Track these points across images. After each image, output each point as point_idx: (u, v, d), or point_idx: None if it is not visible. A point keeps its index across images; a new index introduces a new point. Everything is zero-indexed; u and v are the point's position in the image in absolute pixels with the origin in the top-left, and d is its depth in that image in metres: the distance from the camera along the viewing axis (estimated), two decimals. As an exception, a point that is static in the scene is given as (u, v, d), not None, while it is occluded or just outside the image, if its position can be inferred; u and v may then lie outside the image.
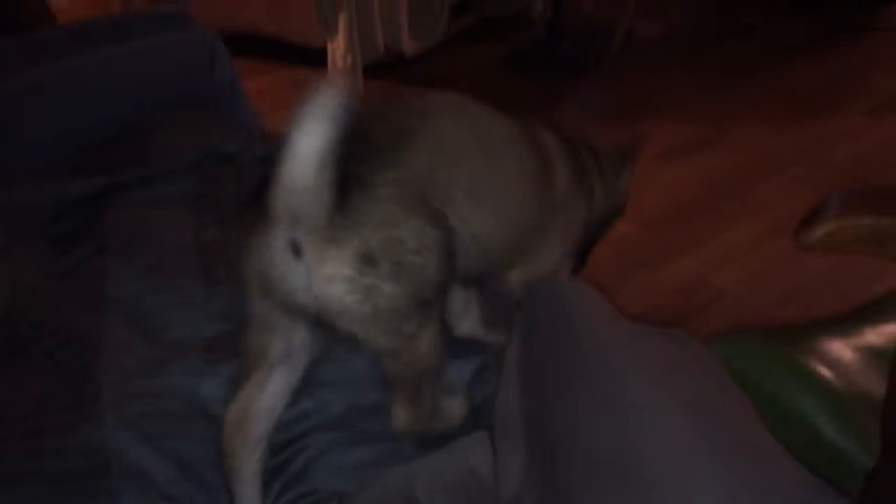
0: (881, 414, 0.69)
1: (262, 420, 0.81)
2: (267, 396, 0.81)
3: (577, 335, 0.75)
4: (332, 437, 0.85)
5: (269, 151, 1.32)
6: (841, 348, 0.86)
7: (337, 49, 2.27)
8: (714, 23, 3.15)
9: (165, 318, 0.99)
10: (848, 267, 1.61)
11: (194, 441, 0.84)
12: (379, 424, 0.84)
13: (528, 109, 2.56)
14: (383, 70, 2.49)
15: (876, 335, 0.87)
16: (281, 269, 0.70)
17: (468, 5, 2.81)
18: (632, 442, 0.60)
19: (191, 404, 0.88)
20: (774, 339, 0.87)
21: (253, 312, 0.77)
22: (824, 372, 0.81)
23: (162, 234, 1.11)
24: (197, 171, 1.24)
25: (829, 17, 3.09)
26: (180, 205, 1.17)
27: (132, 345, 0.95)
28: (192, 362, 0.92)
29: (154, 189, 1.20)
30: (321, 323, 0.72)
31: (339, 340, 0.75)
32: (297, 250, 0.68)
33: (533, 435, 0.73)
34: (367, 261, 0.68)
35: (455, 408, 0.86)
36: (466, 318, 0.98)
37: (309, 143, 0.64)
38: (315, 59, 2.40)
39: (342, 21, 2.26)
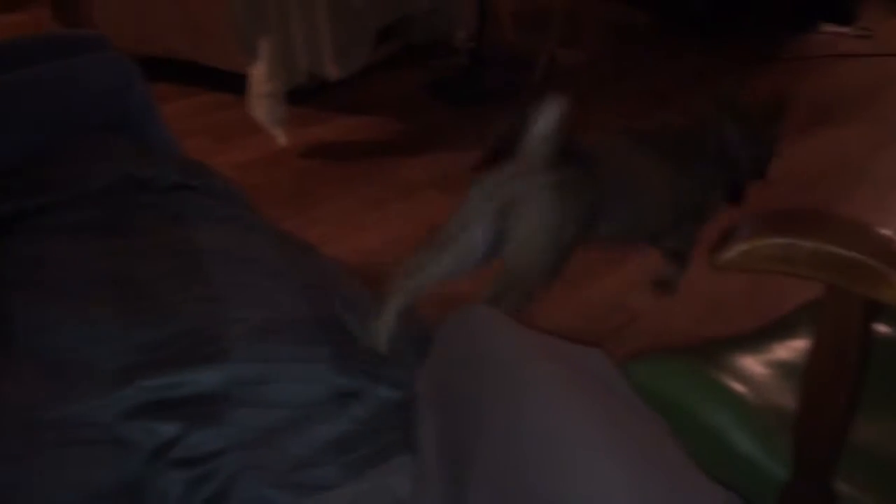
0: (793, 428, 0.71)
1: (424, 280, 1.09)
2: (440, 267, 1.09)
3: (488, 357, 0.75)
4: (251, 462, 0.82)
5: (186, 176, 1.30)
6: (753, 364, 0.88)
7: (257, 74, 2.25)
8: (633, 52, 3.26)
9: (77, 350, 0.95)
10: (760, 285, 1.66)
11: (104, 468, 0.80)
12: (300, 450, 0.83)
13: (450, 137, 2.59)
14: (305, 96, 2.47)
15: (786, 350, 0.90)
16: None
17: (392, 31, 2.83)
18: (543, 463, 0.60)
19: (101, 432, 0.84)
20: (689, 356, 0.89)
21: (464, 212, 1.10)
22: (738, 388, 0.83)
23: (69, 263, 1.07)
24: (108, 197, 1.20)
25: (738, 47, 3.23)
26: (89, 232, 1.13)
27: (41, 377, 0.91)
28: (104, 390, 0.88)
29: (61, 216, 1.15)
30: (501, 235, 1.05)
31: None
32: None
33: (447, 460, 0.73)
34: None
35: None
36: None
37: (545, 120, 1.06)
38: (234, 84, 2.37)
39: (263, 45, 2.24)
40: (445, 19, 2.97)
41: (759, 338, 0.92)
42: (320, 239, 1.85)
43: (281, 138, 2.27)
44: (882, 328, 0.90)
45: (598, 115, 2.62)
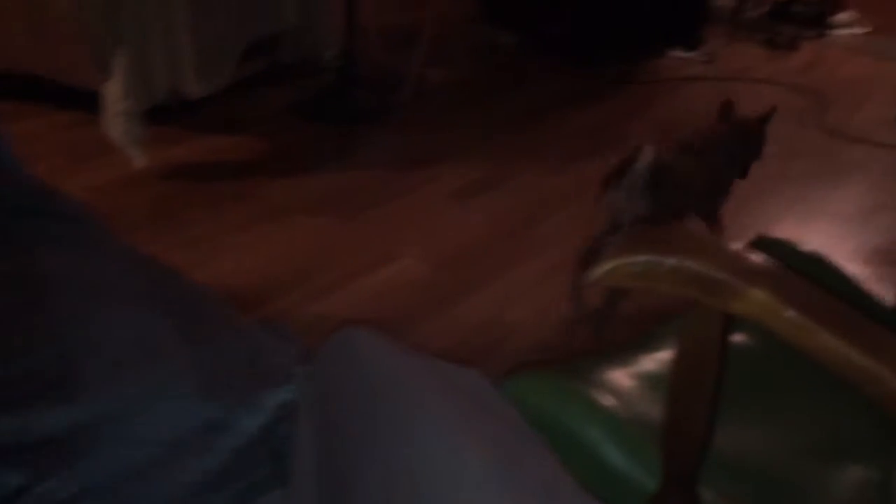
0: (660, 438, 0.74)
1: None
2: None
3: (369, 382, 0.74)
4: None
5: (32, 200, 1.21)
6: (623, 377, 0.91)
7: (113, 91, 2.14)
8: (499, 72, 3.34)
9: None
10: (628, 298, 1.73)
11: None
12: (167, 489, 0.78)
13: (318, 157, 2.56)
14: (166, 114, 2.38)
15: (653, 362, 0.94)
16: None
17: (259, 49, 2.77)
18: (426, 489, 0.59)
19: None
20: (562, 371, 0.91)
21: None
22: (608, 401, 0.86)
23: None
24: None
25: (597, 70, 3.38)
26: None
27: None
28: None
29: None
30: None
31: None
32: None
33: (327, 491, 0.71)
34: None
35: None
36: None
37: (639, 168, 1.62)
38: (89, 101, 2.25)
39: (119, 61, 2.13)
40: (313, 37, 2.94)
41: (627, 351, 0.95)
42: (185, 264, 1.76)
43: (139, 159, 2.17)
44: (738, 338, 0.95)
45: (464, 134, 2.69)
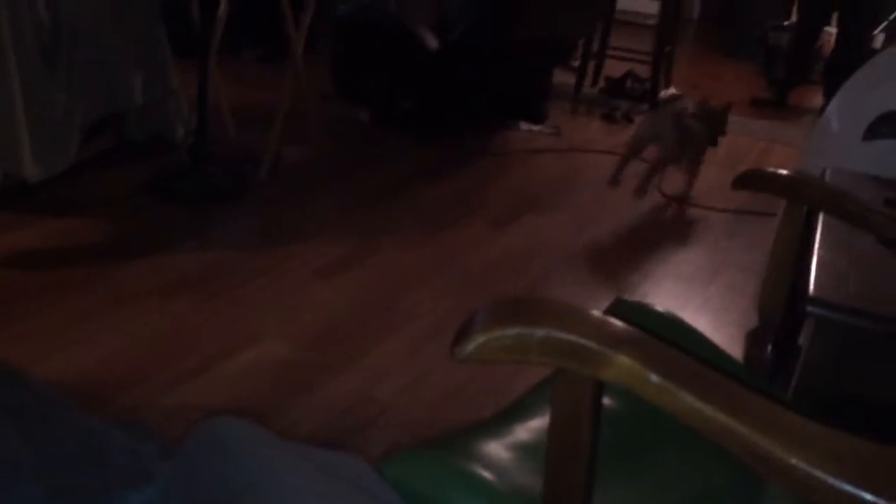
0: (541, 509, 0.74)
1: None
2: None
3: (241, 473, 0.70)
4: None
5: None
6: (498, 449, 0.91)
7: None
8: (356, 148, 3.37)
9: None
10: (494, 367, 1.75)
11: None
12: None
13: (170, 238, 2.46)
14: (7, 196, 2.23)
15: (526, 432, 0.94)
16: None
17: (104, 127, 2.66)
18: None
19: None
20: (438, 448, 0.90)
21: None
22: (486, 475, 0.85)
23: None
24: None
25: (451, 144, 3.49)
26: None
27: None
28: None
29: None
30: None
31: None
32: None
33: None
34: None
35: None
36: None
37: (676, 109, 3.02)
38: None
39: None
40: (162, 114, 2.87)
41: (499, 422, 0.95)
42: (26, 359, 1.64)
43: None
44: (608, 401, 0.98)
45: (323, 211, 2.68)
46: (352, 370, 1.80)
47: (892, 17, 6.01)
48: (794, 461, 0.60)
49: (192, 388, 1.66)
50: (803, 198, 1.12)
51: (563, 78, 4.63)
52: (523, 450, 0.90)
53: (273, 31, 3.87)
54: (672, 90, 4.81)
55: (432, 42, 3.49)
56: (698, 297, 2.36)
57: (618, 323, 0.71)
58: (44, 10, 2.27)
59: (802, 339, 1.06)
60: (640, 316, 1.15)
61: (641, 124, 3.10)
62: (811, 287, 1.04)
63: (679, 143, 2.88)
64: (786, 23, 5.64)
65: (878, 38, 5.83)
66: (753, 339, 1.20)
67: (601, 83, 4.83)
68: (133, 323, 1.88)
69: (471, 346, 0.71)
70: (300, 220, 2.59)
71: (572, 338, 0.68)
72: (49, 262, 2.11)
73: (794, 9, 5.53)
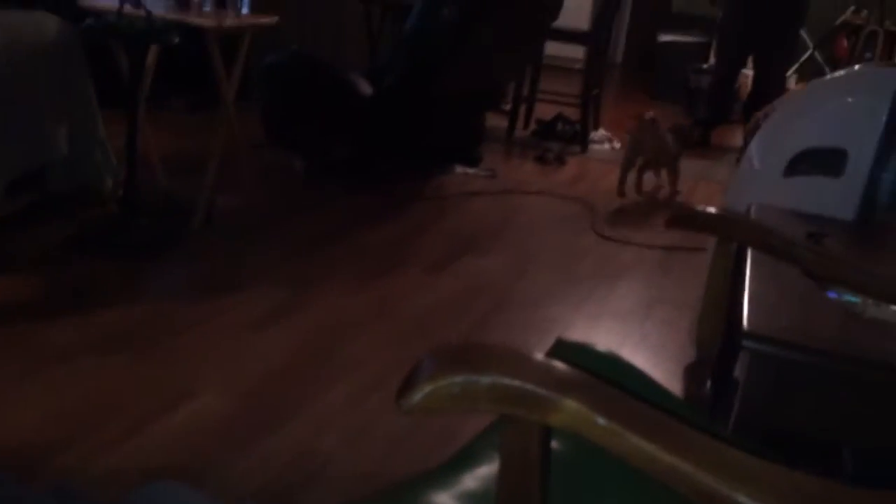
0: (493, 559, 0.73)
1: None
2: None
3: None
4: None
5: None
6: (446, 499, 0.90)
7: None
8: (290, 196, 3.35)
9: None
10: (438, 415, 1.74)
11: None
12: None
13: (102, 292, 2.39)
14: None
15: (473, 480, 0.93)
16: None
17: (27, 181, 2.58)
18: None
19: None
20: (385, 502, 0.88)
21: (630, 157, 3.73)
22: (437, 526, 0.84)
23: None
24: None
25: (386, 190, 3.50)
26: None
27: None
28: None
29: None
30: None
31: None
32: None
33: None
34: None
35: None
36: None
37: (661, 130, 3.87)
38: None
39: None
40: (89, 166, 2.80)
41: (446, 471, 0.94)
42: (-53, 426, 1.56)
43: None
44: (555, 445, 0.98)
45: (260, 259, 2.64)
46: (293, 423, 1.76)
47: (802, 59, 6.34)
48: (739, 498, 0.60)
49: (127, 450, 1.60)
50: (732, 235, 1.15)
51: (495, 121, 4.71)
52: (472, 499, 0.89)
53: (202, 79, 3.85)
54: (601, 131, 4.95)
55: (365, 89, 3.51)
56: (636, 334, 2.40)
57: (563, 367, 0.72)
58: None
59: (738, 373, 1.08)
60: (582, 356, 1.16)
61: (629, 143, 3.82)
62: (744, 321, 1.07)
63: (655, 151, 3.75)
64: (705, 66, 5.88)
65: (791, 78, 6.14)
66: (692, 375, 1.22)
67: (533, 126, 4.93)
68: (63, 383, 1.81)
69: (417, 396, 0.70)
70: (235, 269, 2.55)
71: (519, 384, 0.68)
72: (-30, 323, 2.02)
73: (713, 53, 5.78)
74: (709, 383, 1.20)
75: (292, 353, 2.07)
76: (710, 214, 1.19)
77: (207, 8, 2.75)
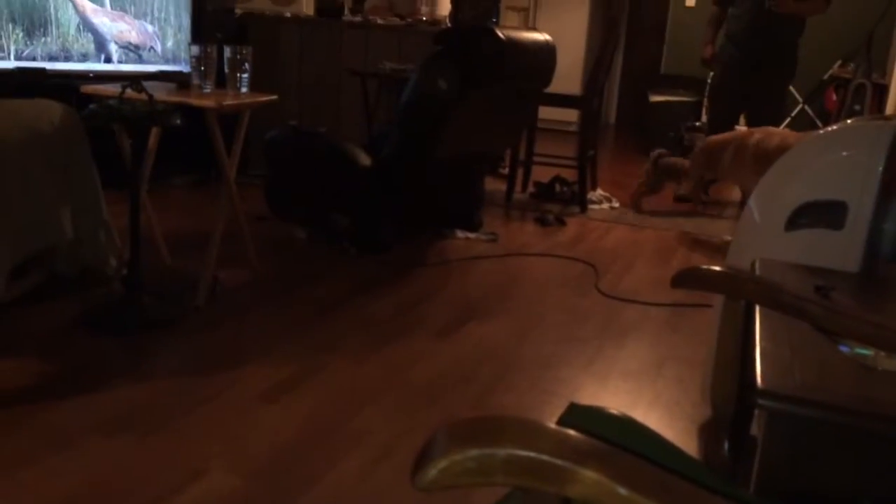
0: None
1: None
2: None
3: None
4: None
5: None
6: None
7: None
8: (294, 267, 3.36)
9: None
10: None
11: None
12: None
13: (109, 372, 2.38)
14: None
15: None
16: None
17: (33, 263, 2.59)
18: None
19: None
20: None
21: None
22: None
23: None
24: None
25: (389, 258, 3.51)
26: None
27: None
28: None
29: None
30: None
31: None
32: None
33: None
34: None
35: None
36: None
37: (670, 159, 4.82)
38: None
39: None
40: (94, 247, 2.82)
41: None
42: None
43: None
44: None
45: (265, 332, 2.63)
46: (305, 498, 1.73)
47: (793, 113, 6.44)
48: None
49: (134, 535, 1.57)
50: (741, 293, 1.15)
51: (494, 185, 4.76)
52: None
53: (203, 157, 3.91)
54: (599, 191, 5.00)
55: (364, 159, 3.56)
56: (648, 393, 2.37)
57: (579, 436, 0.71)
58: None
59: (756, 431, 1.07)
60: (596, 421, 1.15)
61: (646, 171, 4.81)
62: (758, 379, 1.06)
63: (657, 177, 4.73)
64: (698, 123, 5.97)
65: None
66: (708, 435, 1.20)
67: (531, 188, 4.98)
68: (69, 466, 1.78)
69: (432, 472, 0.69)
70: (241, 343, 2.54)
71: (535, 455, 0.67)
72: (-25, 409, 2.01)
73: (704, 111, 5.87)
74: (726, 444, 1.18)
75: (300, 426, 2.04)
76: (717, 273, 1.19)
77: (207, 89, 2.81)
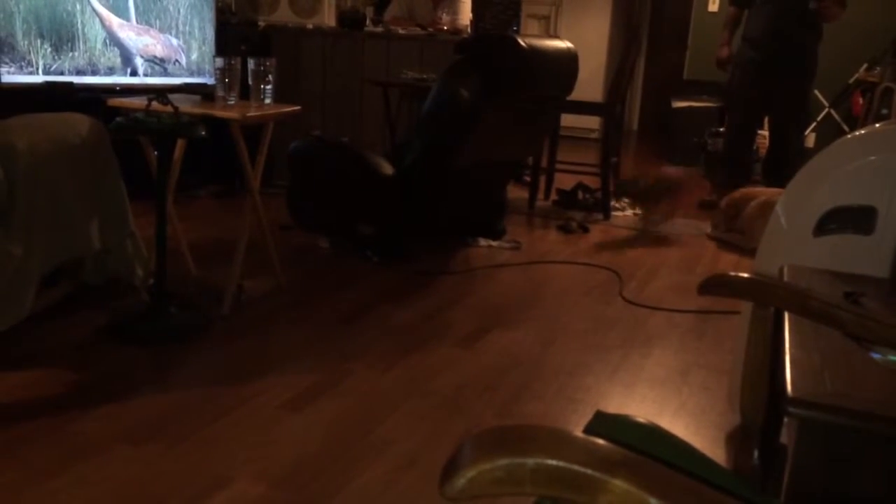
0: None
1: None
2: None
3: None
4: None
5: None
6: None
7: None
8: (317, 276, 3.37)
9: None
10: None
11: None
12: None
13: (136, 381, 2.40)
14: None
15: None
16: None
17: (61, 274, 2.63)
18: None
19: None
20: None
21: None
22: None
23: None
24: None
25: (412, 266, 3.51)
26: None
27: None
28: None
29: None
30: None
31: None
32: None
33: None
34: None
35: None
36: None
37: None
38: None
39: None
40: (121, 257, 2.85)
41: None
42: (-17, 525, 1.55)
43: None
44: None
45: (290, 341, 2.65)
46: (329, 507, 1.73)
47: (819, 118, 6.37)
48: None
49: (162, 543, 1.58)
50: (770, 300, 1.14)
51: (516, 193, 4.76)
52: (521, 585, 0.86)
53: (227, 167, 3.94)
54: (624, 199, 4.97)
55: (386, 168, 3.57)
56: (674, 401, 2.35)
57: (608, 444, 0.70)
58: (-3, 169, 2.28)
59: (786, 440, 1.05)
60: (623, 429, 1.14)
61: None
62: (788, 387, 1.05)
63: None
64: (721, 129, 5.92)
65: (810, 137, 6.16)
66: (737, 443, 1.19)
67: (553, 196, 4.97)
68: (97, 475, 1.80)
69: (460, 481, 0.68)
70: (266, 352, 2.55)
71: (565, 465, 0.66)
72: (5, 418, 2.03)
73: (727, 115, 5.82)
74: (756, 452, 1.17)
75: (326, 434, 2.05)
76: (746, 279, 1.18)
77: (232, 101, 2.84)
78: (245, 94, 2.90)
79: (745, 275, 1.19)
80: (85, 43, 3.42)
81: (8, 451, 1.88)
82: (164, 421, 2.06)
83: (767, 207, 3.79)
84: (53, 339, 2.51)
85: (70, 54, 3.35)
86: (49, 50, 3.31)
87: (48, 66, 3.29)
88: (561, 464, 0.66)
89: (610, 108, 4.85)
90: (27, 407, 2.10)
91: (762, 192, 4.20)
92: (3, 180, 2.30)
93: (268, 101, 2.89)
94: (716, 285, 1.20)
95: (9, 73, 3.19)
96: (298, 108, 3.01)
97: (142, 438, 1.97)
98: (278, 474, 1.85)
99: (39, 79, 3.21)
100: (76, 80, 3.34)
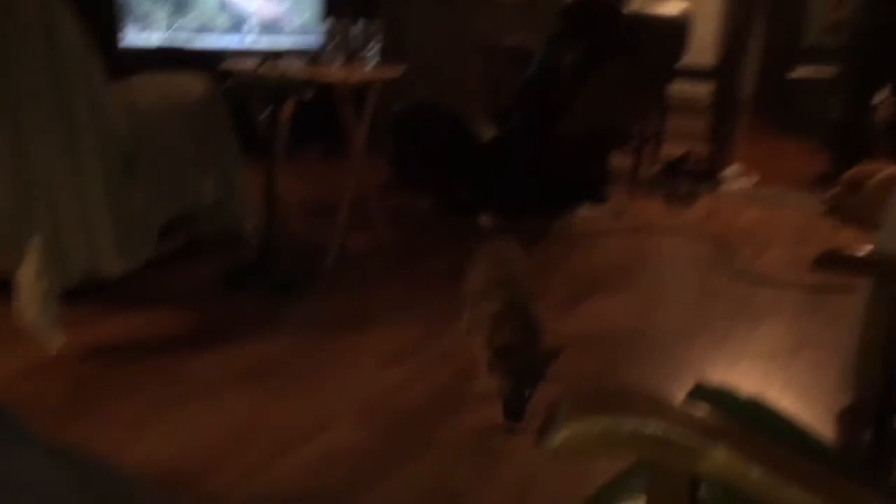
0: None
1: None
2: None
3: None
4: None
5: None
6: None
7: (25, 275, 2.07)
8: (417, 235, 3.42)
9: None
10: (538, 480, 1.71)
11: None
12: None
13: (244, 328, 2.49)
14: (85, 294, 2.31)
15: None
16: None
17: (178, 224, 2.77)
18: None
19: None
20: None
21: None
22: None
23: None
24: None
25: (517, 228, 3.50)
26: None
27: None
28: None
29: None
30: None
31: None
32: None
33: None
34: None
35: None
36: None
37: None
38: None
39: (32, 243, 2.08)
40: (232, 210, 2.97)
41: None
42: (112, 447, 1.68)
43: (55, 342, 2.08)
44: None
45: (389, 298, 2.70)
46: (424, 458, 1.78)
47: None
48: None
49: (269, 476, 1.67)
50: (888, 279, 1.08)
51: (621, 161, 4.65)
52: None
53: (336, 127, 4.02)
54: (736, 166, 4.78)
55: (487, 133, 3.56)
56: (780, 377, 2.28)
57: (710, 412, 0.69)
58: (124, 123, 2.40)
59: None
60: (724, 401, 1.11)
61: None
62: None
63: None
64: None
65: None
66: (847, 423, 1.14)
67: (660, 165, 4.83)
68: (209, 411, 1.91)
69: (559, 436, 0.69)
70: (367, 306, 2.62)
71: (664, 431, 0.66)
72: (129, 355, 2.18)
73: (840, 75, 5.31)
74: (869, 434, 1.12)
75: (422, 386, 2.09)
76: (862, 257, 1.12)
77: (338, 63, 2.88)
78: (351, 57, 2.94)
79: (863, 252, 1.13)
80: (200, 7, 3.53)
81: (132, 385, 2.02)
82: (269, 366, 2.16)
83: (893, 181, 3.54)
84: (171, 285, 2.66)
85: (185, 18, 3.47)
86: (166, 14, 3.44)
87: (166, 29, 3.42)
88: (659, 430, 0.66)
89: (723, 74, 4.66)
90: (148, 345, 2.25)
91: (888, 166, 3.94)
92: (129, 133, 2.43)
93: (374, 63, 2.92)
94: (832, 261, 1.14)
95: (130, 36, 3.34)
96: (403, 71, 3.02)
97: (249, 381, 2.07)
98: (375, 423, 1.91)
99: (157, 41, 3.34)
100: (191, 43, 3.46)
